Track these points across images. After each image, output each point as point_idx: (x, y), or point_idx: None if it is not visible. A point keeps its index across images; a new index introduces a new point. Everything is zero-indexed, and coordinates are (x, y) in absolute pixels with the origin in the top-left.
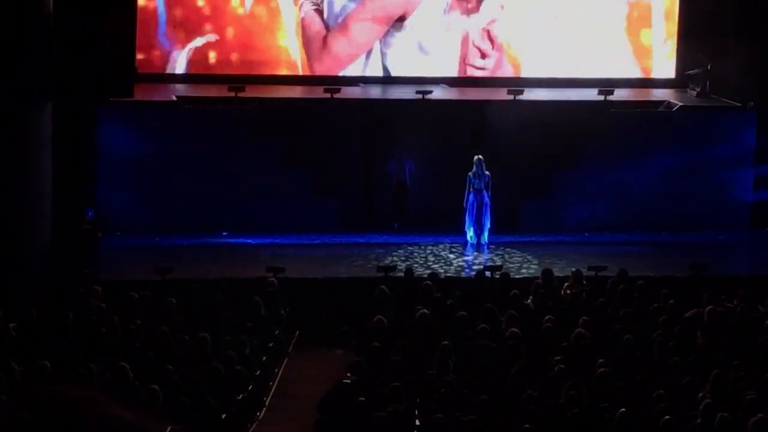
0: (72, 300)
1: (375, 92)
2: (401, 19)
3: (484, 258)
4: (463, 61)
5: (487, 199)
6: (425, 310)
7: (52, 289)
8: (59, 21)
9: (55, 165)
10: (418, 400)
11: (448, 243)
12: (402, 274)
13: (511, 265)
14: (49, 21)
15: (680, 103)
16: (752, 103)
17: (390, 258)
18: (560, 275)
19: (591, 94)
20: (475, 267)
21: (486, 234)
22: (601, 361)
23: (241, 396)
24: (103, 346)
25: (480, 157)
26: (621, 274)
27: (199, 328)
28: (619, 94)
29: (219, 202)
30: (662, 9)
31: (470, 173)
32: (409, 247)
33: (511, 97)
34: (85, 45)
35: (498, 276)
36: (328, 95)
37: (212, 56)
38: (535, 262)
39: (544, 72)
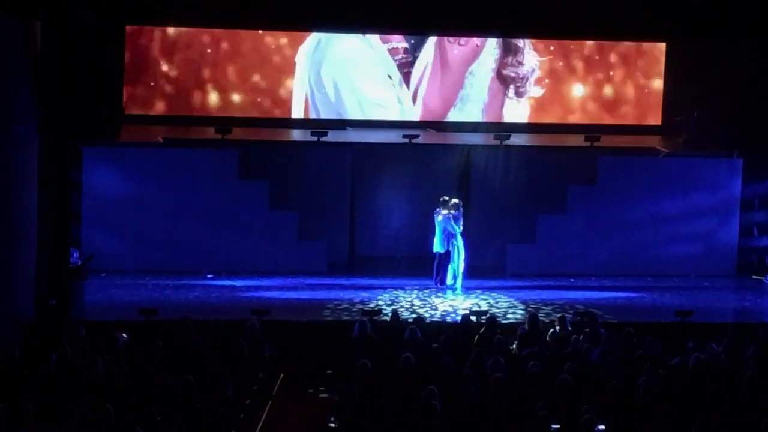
0: (55, 340)
1: (362, 136)
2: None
3: (470, 302)
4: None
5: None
6: (409, 354)
7: (36, 329)
8: (47, 60)
9: (41, 205)
10: None
11: (433, 287)
12: (387, 318)
13: (497, 310)
14: (37, 59)
15: (667, 150)
16: (737, 152)
17: (375, 302)
18: (546, 320)
19: (578, 140)
20: (460, 311)
21: (461, 277)
22: (585, 407)
23: None
24: (86, 387)
25: (458, 201)
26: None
27: (182, 370)
28: (606, 141)
29: (204, 244)
30: (649, 57)
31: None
32: (394, 291)
33: (498, 142)
34: (73, 84)
35: (484, 320)
36: (314, 138)
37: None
38: (521, 307)
39: (530, 117)
